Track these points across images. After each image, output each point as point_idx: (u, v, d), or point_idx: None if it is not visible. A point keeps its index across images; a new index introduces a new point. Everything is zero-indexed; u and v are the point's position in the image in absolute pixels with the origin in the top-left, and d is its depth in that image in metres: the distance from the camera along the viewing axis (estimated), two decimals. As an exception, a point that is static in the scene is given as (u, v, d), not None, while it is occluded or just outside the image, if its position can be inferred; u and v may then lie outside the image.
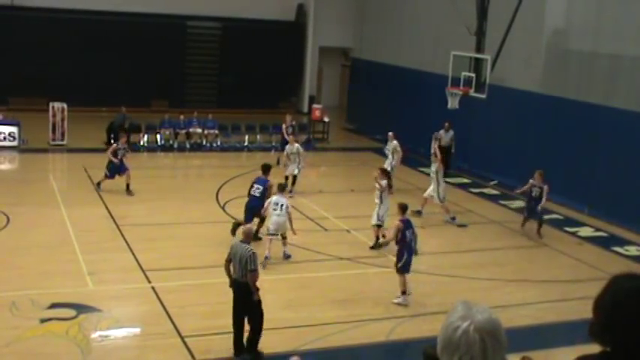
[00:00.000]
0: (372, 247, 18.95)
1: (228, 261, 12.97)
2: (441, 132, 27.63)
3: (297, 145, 23.51)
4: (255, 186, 18.58)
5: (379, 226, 19.15)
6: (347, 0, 39.07)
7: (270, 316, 14.44)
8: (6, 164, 27.50)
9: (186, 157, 29.86)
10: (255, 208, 18.28)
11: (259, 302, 12.74)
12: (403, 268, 15.50)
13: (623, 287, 3.16)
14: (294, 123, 28.72)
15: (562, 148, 24.61)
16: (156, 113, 32.92)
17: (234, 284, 12.82)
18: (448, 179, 27.21)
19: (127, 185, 22.74)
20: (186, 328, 13.65)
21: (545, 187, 20.73)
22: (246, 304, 12.74)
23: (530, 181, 21.12)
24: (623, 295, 3.12)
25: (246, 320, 12.85)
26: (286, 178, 22.74)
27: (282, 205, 17.50)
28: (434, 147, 24.77)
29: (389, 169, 23.91)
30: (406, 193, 24.77)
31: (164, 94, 36.94)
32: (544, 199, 20.80)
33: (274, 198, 17.75)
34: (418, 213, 21.76)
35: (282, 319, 14.30)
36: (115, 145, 23.56)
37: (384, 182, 19.26)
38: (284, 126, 28.06)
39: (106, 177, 22.91)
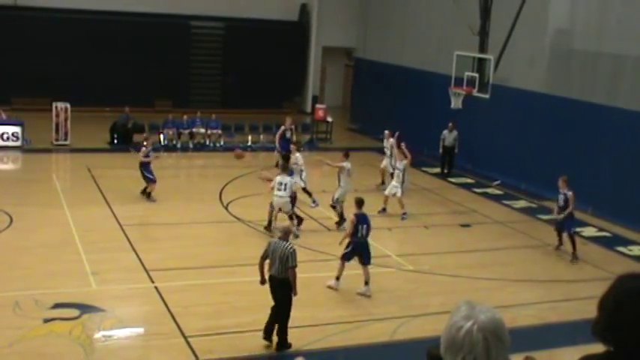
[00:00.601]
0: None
1: (264, 258, 13.28)
2: (445, 132, 27.66)
3: (298, 154, 22.35)
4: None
5: (333, 207, 20.77)
6: (350, 0, 39.06)
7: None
8: (9, 164, 27.53)
9: (189, 157, 29.87)
10: None
11: (290, 299, 13.20)
12: (344, 256, 16.09)
13: (626, 287, 3.16)
14: (293, 127, 28.11)
15: (565, 148, 24.59)
16: (159, 113, 32.92)
17: (270, 279, 13.21)
18: (452, 179, 27.29)
19: (146, 189, 22.30)
20: (190, 328, 13.65)
21: (570, 194, 19.08)
22: (279, 300, 13.18)
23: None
24: (626, 295, 3.12)
25: None
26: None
27: (285, 185, 18.85)
28: (404, 145, 23.35)
29: (390, 169, 24.00)
30: (413, 193, 24.82)
31: (168, 94, 36.95)
32: (571, 207, 19.00)
33: (278, 178, 19.09)
34: (383, 211, 21.92)
35: (286, 319, 14.31)
36: (143, 149, 22.80)
37: (343, 164, 20.79)
38: (282, 128, 27.64)
39: (152, 182, 22.18)
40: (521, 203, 24.55)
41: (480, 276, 17.24)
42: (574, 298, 16.08)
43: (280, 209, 19.19)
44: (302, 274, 16.96)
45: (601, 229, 22.01)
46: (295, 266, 13.09)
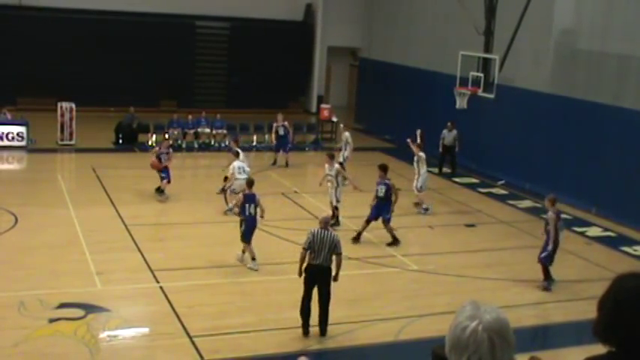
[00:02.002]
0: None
1: (307, 249, 13.54)
2: (444, 131, 27.72)
3: (336, 165, 21.22)
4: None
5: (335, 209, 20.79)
6: (355, 0, 39.04)
7: (278, 315, 14.52)
8: (14, 164, 27.57)
9: (194, 157, 29.90)
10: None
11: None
12: (243, 237, 16.90)
13: (625, 286, 3.15)
14: (286, 123, 28.34)
15: (570, 148, 24.56)
16: (164, 113, 32.95)
17: (314, 269, 13.51)
18: (456, 179, 27.28)
19: (160, 187, 22.55)
20: (195, 328, 13.66)
21: (550, 215, 16.63)
22: (324, 289, 13.57)
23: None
24: (625, 294, 3.11)
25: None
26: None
27: (244, 169, 20.61)
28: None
29: (341, 160, 24.49)
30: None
31: (173, 94, 37.01)
32: (551, 232, 16.52)
33: (237, 164, 20.72)
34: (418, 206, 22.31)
35: (291, 319, 14.28)
36: (156, 148, 23.31)
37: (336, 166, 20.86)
38: (274, 125, 28.11)
39: (163, 180, 22.45)
40: (526, 203, 24.52)
41: (484, 276, 17.23)
42: (579, 298, 16.07)
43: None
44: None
45: (606, 229, 21.97)
46: (341, 253, 13.76)
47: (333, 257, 13.62)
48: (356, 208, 20.73)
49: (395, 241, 19.17)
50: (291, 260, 17.72)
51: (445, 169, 28.11)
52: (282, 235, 19.47)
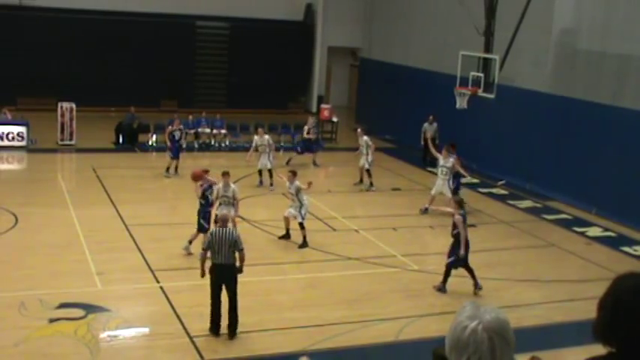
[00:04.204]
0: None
1: (207, 250, 13.52)
2: (425, 125, 27.95)
3: (296, 182, 19.31)
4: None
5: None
6: (356, 0, 39.05)
7: (278, 316, 14.51)
8: (14, 164, 27.57)
9: (194, 157, 29.86)
10: None
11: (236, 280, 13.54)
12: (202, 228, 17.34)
13: (625, 285, 3.15)
14: (314, 125, 29.31)
15: (570, 148, 24.55)
16: (165, 113, 32.92)
17: (218, 269, 13.38)
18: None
19: (176, 168, 25.28)
20: (195, 328, 13.66)
21: (457, 217, 16.23)
22: (230, 286, 13.45)
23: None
24: (625, 294, 3.11)
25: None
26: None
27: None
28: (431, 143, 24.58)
29: (366, 166, 24.41)
30: (418, 193, 24.85)
31: (173, 94, 37.02)
32: (462, 235, 16.05)
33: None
34: (426, 211, 22.11)
35: (291, 319, 14.31)
36: (169, 127, 25.56)
37: (296, 183, 18.89)
38: (305, 128, 28.81)
39: (172, 159, 25.06)
40: (527, 203, 24.52)
41: (485, 276, 17.20)
42: (579, 298, 16.05)
43: None
44: (307, 274, 17.11)
45: (606, 229, 21.96)
46: (243, 248, 13.53)
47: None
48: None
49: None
50: (291, 260, 17.83)
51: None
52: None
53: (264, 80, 38.44)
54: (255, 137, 25.30)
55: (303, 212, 18.70)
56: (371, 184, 25.01)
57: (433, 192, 22.37)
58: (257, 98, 37.89)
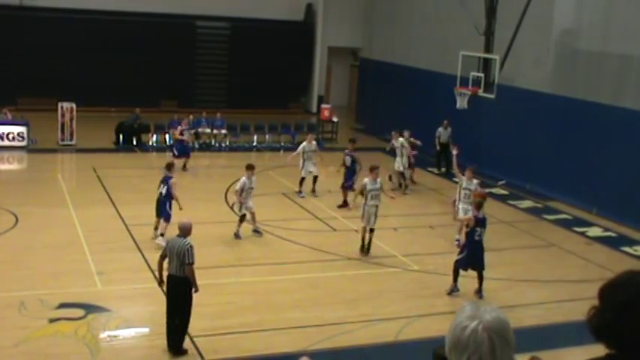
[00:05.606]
0: None
1: (163, 257, 13.00)
2: (440, 129, 27.79)
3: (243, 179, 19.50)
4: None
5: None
6: (356, 0, 39.06)
7: (278, 316, 14.51)
8: (15, 164, 27.58)
9: (194, 157, 29.81)
10: None
11: (191, 299, 12.68)
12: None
13: (636, 284, 3.14)
14: (354, 154, 23.76)
15: (571, 148, 24.55)
16: (165, 113, 32.95)
17: (169, 280, 12.76)
18: (455, 179, 27.24)
19: (184, 165, 26.06)
20: (195, 328, 13.63)
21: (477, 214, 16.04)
22: (179, 301, 12.66)
23: None
24: (636, 293, 3.10)
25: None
26: None
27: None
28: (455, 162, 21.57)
29: (401, 169, 24.26)
30: (419, 193, 24.86)
31: (173, 94, 37.02)
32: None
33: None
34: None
35: (291, 319, 14.32)
36: (180, 127, 26.51)
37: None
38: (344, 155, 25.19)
39: (174, 157, 25.37)
40: (527, 203, 24.52)
41: (485, 276, 17.18)
42: (580, 298, 16.01)
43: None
44: (308, 274, 17.09)
45: (606, 229, 21.97)
46: (192, 263, 12.53)
47: None
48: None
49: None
50: (291, 260, 17.81)
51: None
52: (282, 235, 19.49)
53: (264, 80, 38.44)
54: (304, 143, 23.87)
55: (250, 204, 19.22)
56: (406, 186, 24.95)
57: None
58: (257, 98, 37.91)
